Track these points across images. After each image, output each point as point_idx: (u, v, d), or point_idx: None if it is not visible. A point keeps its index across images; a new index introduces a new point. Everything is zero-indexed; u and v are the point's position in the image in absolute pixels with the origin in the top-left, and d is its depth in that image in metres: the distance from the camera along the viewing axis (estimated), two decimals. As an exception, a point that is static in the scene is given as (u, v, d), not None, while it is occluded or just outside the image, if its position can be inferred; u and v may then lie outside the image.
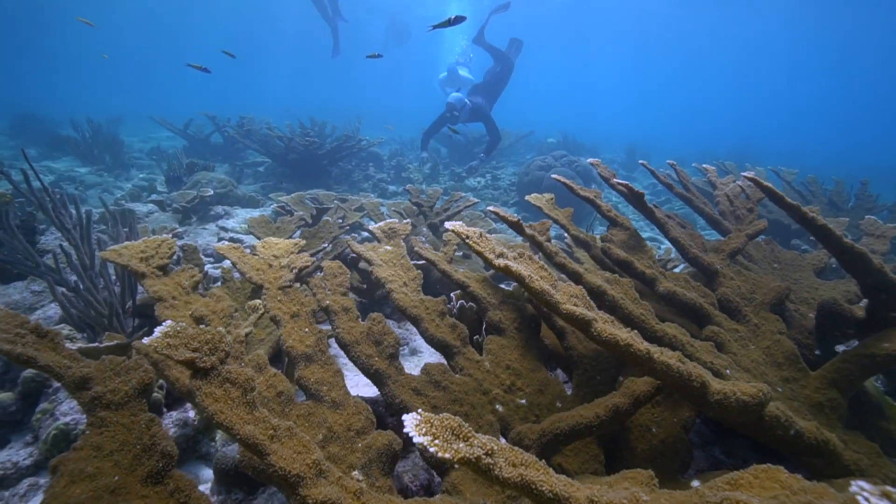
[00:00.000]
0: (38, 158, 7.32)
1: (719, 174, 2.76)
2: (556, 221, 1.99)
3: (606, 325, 0.97)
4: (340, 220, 3.05)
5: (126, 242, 1.38)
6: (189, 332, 0.79)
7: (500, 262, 0.95)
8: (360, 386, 2.13)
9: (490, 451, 0.53)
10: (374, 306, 2.80)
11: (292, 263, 1.48)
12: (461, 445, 0.50)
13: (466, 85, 8.72)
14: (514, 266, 0.94)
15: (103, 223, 3.60)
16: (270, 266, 1.47)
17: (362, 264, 2.70)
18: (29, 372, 1.63)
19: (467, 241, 0.97)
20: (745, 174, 1.45)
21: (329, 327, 1.45)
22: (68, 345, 1.57)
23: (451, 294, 1.99)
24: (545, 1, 22.63)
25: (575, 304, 0.98)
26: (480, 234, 1.01)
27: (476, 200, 3.37)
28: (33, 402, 1.64)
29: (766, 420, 1.08)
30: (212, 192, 4.38)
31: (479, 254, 0.96)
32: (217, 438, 1.64)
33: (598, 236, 2.08)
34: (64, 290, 2.04)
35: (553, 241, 1.96)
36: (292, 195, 4.19)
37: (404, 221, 1.78)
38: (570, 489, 0.58)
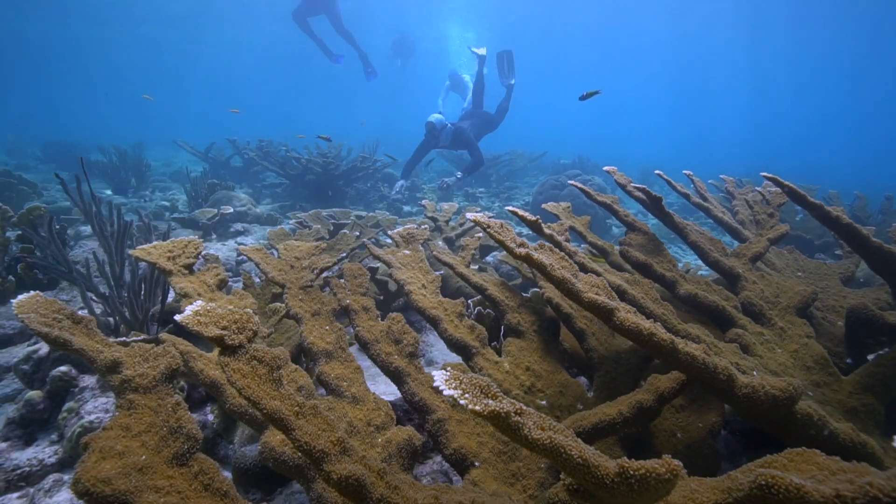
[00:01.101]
0: (70, 181, 7.60)
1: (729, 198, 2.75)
2: (573, 229, 2.00)
3: (629, 315, 0.97)
4: (357, 234, 3.10)
5: (155, 242, 1.42)
6: (219, 311, 0.81)
7: (522, 251, 0.96)
8: (380, 395, 2.12)
9: (519, 411, 0.53)
10: (391, 318, 2.80)
11: (314, 264, 1.50)
12: (490, 401, 0.51)
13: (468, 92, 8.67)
14: (536, 255, 0.95)
15: (129, 237, 3.70)
16: (292, 267, 1.50)
17: (379, 275, 2.72)
18: (56, 371, 1.67)
19: (488, 230, 0.99)
20: (764, 174, 1.45)
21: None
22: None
23: (469, 301, 1.99)
24: (559, 21, 23.08)
25: (597, 293, 0.98)
26: (501, 225, 1.02)
27: (492, 214, 3.39)
28: (60, 402, 1.67)
29: (797, 417, 1.05)
30: (231, 210, 4.49)
31: (501, 243, 0.97)
32: (235, 441, 1.64)
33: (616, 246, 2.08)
34: (92, 295, 2.10)
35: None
36: (310, 212, 4.27)
37: (422, 227, 1.80)
38: (598, 458, 0.57)
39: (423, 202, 3.52)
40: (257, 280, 2.10)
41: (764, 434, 1.45)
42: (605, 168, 2.10)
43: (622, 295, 1.36)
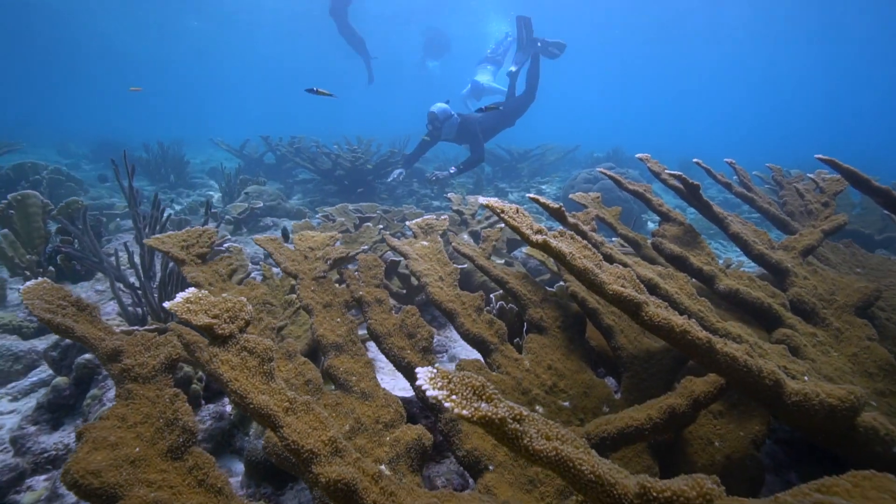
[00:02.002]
0: (114, 178, 7.97)
1: (777, 188, 2.54)
2: (601, 220, 1.88)
3: (660, 310, 0.87)
4: (381, 227, 3.06)
5: (170, 232, 1.41)
6: (210, 300, 0.77)
7: (539, 237, 0.88)
8: (395, 390, 2.07)
9: (518, 417, 0.45)
10: (413, 312, 2.75)
11: (327, 255, 1.46)
12: (483, 405, 0.43)
13: (492, 94, 8.31)
14: (554, 242, 0.86)
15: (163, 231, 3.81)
16: (306, 258, 1.46)
17: (402, 268, 2.68)
18: (82, 358, 1.70)
19: (503, 215, 0.91)
20: (820, 156, 1.30)
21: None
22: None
23: (491, 295, 1.91)
24: (594, 11, 22.41)
25: (622, 286, 0.88)
26: (517, 210, 0.94)
27: (518, 207, 3.28)
28: (85, 388, 1.70)
29: (859, 431, 0.92)
30: (261, 205, 4.56)
31: (516, 229, 0.89)
32: (251, 432, 1.62)
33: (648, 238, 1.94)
34: (121, 285, 2.15)
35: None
36: (337, 206, 4.28)
37: (441, 217, 1.73)
38: (615, 473, 0.49)
39: (449, 195, 3.45)
40: (276, 271, 2.09)
41: (817, 445, 1.31)
42: (638, 155, 1.97)
43: (654, 289, 1.25)
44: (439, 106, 4.74)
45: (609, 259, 1.32)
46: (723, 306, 1.59)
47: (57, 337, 1.83)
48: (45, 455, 1.58)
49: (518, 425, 0.44)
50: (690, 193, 1.63)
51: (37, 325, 2.41)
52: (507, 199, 7.21)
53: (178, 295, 0.75)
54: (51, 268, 2.71)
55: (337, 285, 1.38)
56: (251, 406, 0.67)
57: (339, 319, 1.28)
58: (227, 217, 4.45)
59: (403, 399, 1.47)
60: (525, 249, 3.17)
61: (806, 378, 1.14)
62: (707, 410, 1.25)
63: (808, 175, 1.96)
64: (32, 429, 1.62)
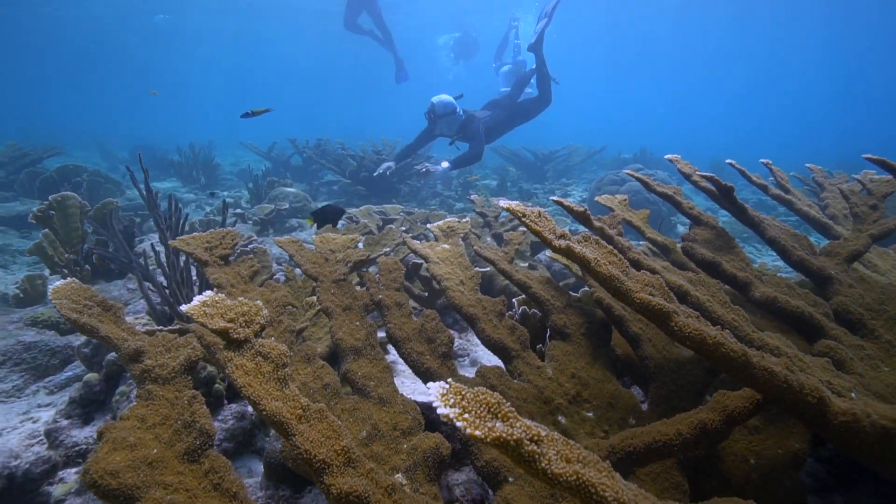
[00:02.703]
0: (140, 178, 8.27)
1: (817, 189, 2.40)
2: (628, 223, 1.81)
3: (690, 320, 0.82)
4: (404, 229, 3.06)
5: (194, 234, 1.43)
6: (227, 303, 0.76)
7: (561, 242, 0.84)
8: (416, 393, 2.05)
9: (536, 437, 0.42)
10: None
11: (348, 258, 1.45)
12: (498, 425, 0.40)
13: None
14: (578, 248, 0.83)
15: (194, 230, 3.92)
16: (326, 260, 1.46)
17: (424, 271, 2.66)
18: (112, 355, 1.75)
19: (524, 219, 0.87)
20: (868, 156, 1.21)
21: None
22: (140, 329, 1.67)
23: (514, 300, 1.87)
24: (621, 9, 21.97)
25: (650, 294, 0.84)
26: (539, 213, 0.90)
27: (542, 209, 3.23)
28: (115, 384, 1.75)
29: (911, 454, 0.84)
30: (287, 206, 4.64)
31: (538, 234, 0.86)
32: (271, 433, 1.63)
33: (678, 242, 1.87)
34: (150, 285, 2.21)
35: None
36: (361, 208, 4.31)
37: (464, 220, 1.70)
38: (641, 501, 0.45)
39: (472, 197, 3.42)
40: (299, 272, 2.10)
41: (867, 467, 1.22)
42: (668, 157, 1.90)
43: (684, 297, 1.19)
44: (441, 98, 4.19)
45: (636, 265, 1.26)
46: (758, 315, 1.51)
47: (89, 334, 1.89)
48: (76, 448, 1.63)
49: (535, 447, 0.41)
50: (724, 196, 1.55)
51: (73, 321, 2.50)
52: (533, 200, 7.13)
53: (195, 298, 0.75)
54: (87, 266, 2.81)
55: (357, 288, 1.37)
56: (264, 412, 0.66)
57: (358, 323, 1.27)
58: (253, 218, 4.54)
59: (423, 404, 1.45)
60: (549, 253, 3.11)
61: (853, 395, 1.07)
62: (742, 425, 1.19)
63: (854, 176, 1.84)
64: (65, 423, 1.68)
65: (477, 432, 0.38)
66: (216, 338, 1.15)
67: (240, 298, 0.78)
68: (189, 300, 2.05)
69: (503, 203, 0.92)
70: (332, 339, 1.23)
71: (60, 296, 0.98)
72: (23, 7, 20.44)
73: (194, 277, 2.27)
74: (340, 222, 4.91)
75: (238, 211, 4.89)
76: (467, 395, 0.43)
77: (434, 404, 0.41)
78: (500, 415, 0.43)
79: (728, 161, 2.08)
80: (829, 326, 1.25)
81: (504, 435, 0.39)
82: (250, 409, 1.72)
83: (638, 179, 1.66)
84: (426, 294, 2.70)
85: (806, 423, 0.87)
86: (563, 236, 0.87)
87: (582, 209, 1.23)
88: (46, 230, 2.67)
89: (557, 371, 1.32)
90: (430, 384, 0.43)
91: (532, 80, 5.05)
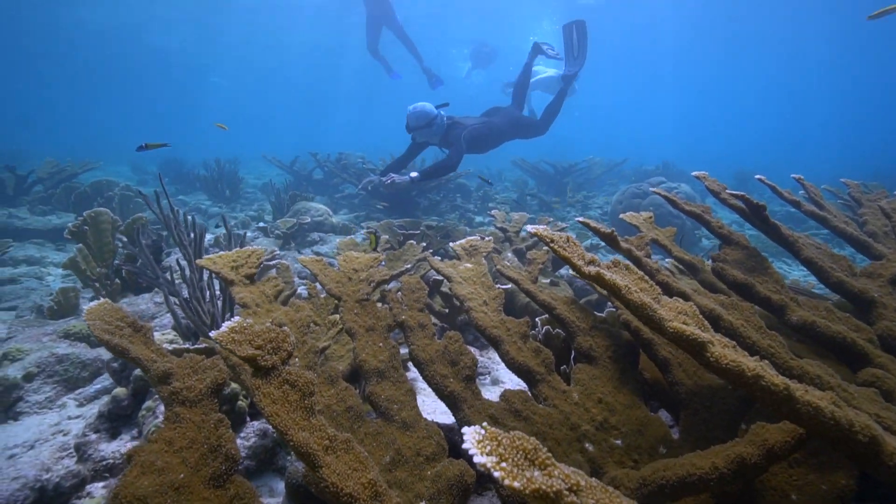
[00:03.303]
0: (176, 194, 8.52)
1: (853, 205, 2.31)
2: (655, 242, 1.78)
3: (727, 350, 0.78)
4: (424, 245, 3.06)
5: (221, 252, 1.45)
6: (254, 329, 0.76)
7: (591, 269, 0.82)
8: (436, 413, 2.03)
9: (576, 487, 0.40)
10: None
11: (371, 277, 1.46)
12: (536, 474, 0.39)
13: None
14: (608, 275, 0.81)
15: (217, 245, 4.00)
16: (350, 279, 1.47)
17: (445, 287, 2.65)
18: (138, 371, 1.78)
19: (552, 245, 0.86)
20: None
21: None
22: (168, 347, 1.70)
23: (537, 319, 1.84)
24: (643, 16, 21.84)
25: (684, 323, 0.81)
26: (567, 239, 0.89)
27: (565, 225, 3.20)
28: (142, 399, 1.78)
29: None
30: (309, 220, 4.70)
31: (566, 259, 0.84)
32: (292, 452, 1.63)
33: (707, 262, 1.82)
34: (176, 300, 2.25)
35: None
36: (381, 222, 4.34)
37: (486, 239, 1.69)
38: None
39: (493, 212, 3.41)
40: (320, 288, 2.12)
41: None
42: (695, 174, 1.86)
43: (716, 321, 1.15)
44: (416, 108, 3.89)
45: (666, 288, 1.23)
46: (794, 338, 1.45)
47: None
48: (104, 463, 1.66)
49: (575, 497, 0.40)
50: (755, 215, 1.51)
51: (103, 334, 2.56)
52: (553, 213, 7.07)
53: (223, 324, 0.76)
54: (117, 280, 2.89)
55: (380, 307, 1.37)
56: (291, 443, 0.65)
57: (381, 344, 1.27)
58: (276, 232, 4.62)
59: (444, 426, 1.43)
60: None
61: (901, 429, 1.00)
62: (780, 458, 1.13)
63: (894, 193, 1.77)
64: (94, 436, 1.71)
65: (515, 483, 0.37)
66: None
67: (267, 324, 0.78)
68: (212, 315, 2.09)
69: (531, 228, 0.91)
70: (355, 361, 1.22)
71: (94, 316, 1.00)
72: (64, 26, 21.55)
73: (217, 292, 2.31)
74: (361, 236, 4.96)
75: (261, 225, 4.99)
76: (503, 440, 0.41)
77: (470, 452, 0.40)
78: (537, 462, 0.41)
79: (757, 177, 2.02)
80: (875, 354, 1.19)
81: (543, 487, 0.37)
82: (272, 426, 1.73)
83: (664, 197, 1.63)
84: (447, 311, 2.69)
85: (854, 462, 0.82)
86: (592, 262, 0.85)
87: (608, 230, 1.21)
88: (80, 245, 2.76)
89: (584, 396, 1.29)
90: (466, 430, 0.42)
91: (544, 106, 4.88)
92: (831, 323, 1.24)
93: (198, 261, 1.38)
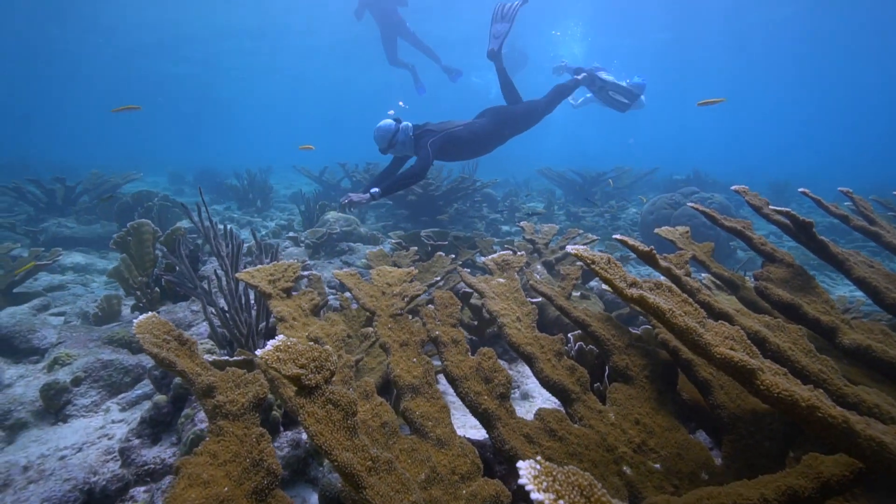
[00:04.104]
0: (209, 203, 8.82)
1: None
2: (693, 258, 1.73)
3: (778, 378, 0.75)
4: (453, 256, 3.07)
5: (259, 266, 1.49)
6: (298, 348, 0.78)
7: (634, 292, 0.81)
8: (466, 427, 2.02)
9: (634, 528, 0.39)
10: (485, 344, 2.70)
11: (404, 292, 1.47)
12: (594, 514, 0.38)
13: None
14: (651, 298, 0.79)
15: (249, 255, 4.11)
16: (383, 293, 1.48)
17: (474, 300, 2.65)
18: (178, 378, 1.83)
19: (593, 266, 0.85)
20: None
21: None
22: (206, 357, 1.75)
23: (570, 335, 1.81)
24: (679, 26, 21.42)
25: (732, 349, 0.79)
26: (608, 260, 0.87)
27: (596, 238, 3.15)
28: (181, 406, 1.84)
29: None
30: (338, 230, 4.78)
31: (608, 282, 0.83)
32: (325, 462, 1.65)
33: (747, 277, 1.76)
34: (213, 310, 2.32)
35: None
36: (408, 233, 4.38)
37: (518, 254, 1.68)
38: None
39: (521, 223, 3.39)
40: (349, 295, 2.14)
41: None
42: (735, 188, 1.81)
43: (761, 344, 1.11)
44: (379, 126, 3.78)
45: (707, 308, 1.19)
46: (845, 361, 1.38)
47: (160, 357, 2.00)
48: (146, 468, 1.71)
49: (634, 539, 0.39)
50: (802, 232, 1.45)
51: (143, 341, 2.66)
52: (581, 223, 6.98)
53: (268, 343, 0.78)
54: (157, 289, 3.00)
55: (412, 323, 1.38)
56: (335, 463, 0.66)
57: (415, 359, 1.27)
58: (306, 241, 4.72)
59: (476, 442, 1.42)
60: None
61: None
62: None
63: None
64: (136, 442, 1.77)
65: (574, 525, 0.36)
66: (291, 389, 1.18)
67: (310, 343, 0.80)
68: (248, 325, 2.14)
69: (570, 249, 0.90)
70: (389, 376, 1.23)
71: (143, 330, 1.04)
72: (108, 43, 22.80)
73: (252, 302, 2.37)
74: (388, 246, 5.01)
75: (291, 234, 5.10)
76: (558, 475, 0.41)
77: (527, 487, 0.39)
78: (593, 499, 0.40)
79: (801, 190, 1.95)
80: (935, 381, 1.12)
81: (603, 529, 0.36)
82: (304, 436, 1.75)
83: (704, 214, 1.59)
84: (475, 323, 2.68)
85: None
86: (634, 284, 0.84)
87: (647, 249, 1.19)
88: (124, 255, 2.89)
89: (620, 416, 1.26)
90: (521, 464, 0.42)
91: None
92: (888, 347, 1.18)
93: (237, 274, 1.42)
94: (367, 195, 3.53)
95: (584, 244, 3.19)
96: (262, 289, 1.39)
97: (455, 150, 3.92)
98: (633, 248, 1.24)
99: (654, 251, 1.22)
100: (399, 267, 2.94)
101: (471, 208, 7.69)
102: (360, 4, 9.95)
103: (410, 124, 3.83)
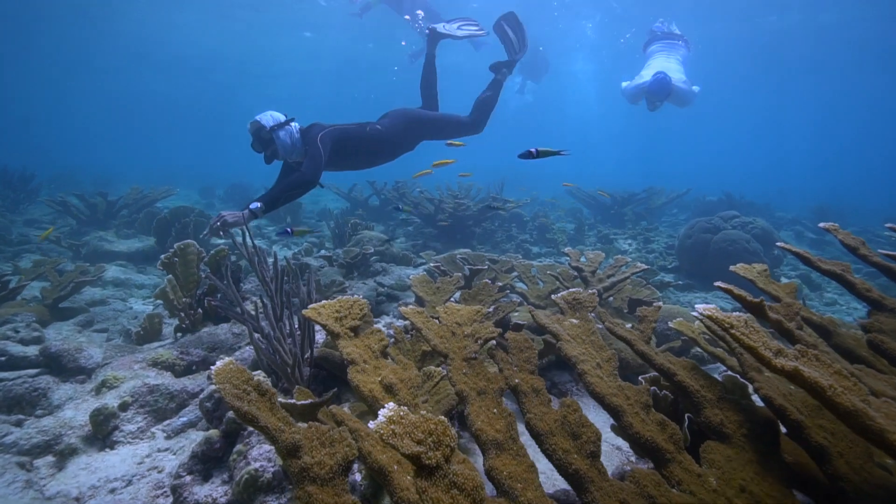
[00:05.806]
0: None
1: None
2: (775, 299, 1.61)
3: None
4: (500, 285, 2.98)
5: (323, 301, 1.44)
6: (411, 419, 0.71)
7: (784, 363, 0.71)
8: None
9: None
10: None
11: (476, 333, 1.39)
12: None
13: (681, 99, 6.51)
14: (808, 372, 0.69)
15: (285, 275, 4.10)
16: (454, 334, 1.41)
17: (516, 319, 2.55)
18: (231, 413, 1.78)
19: (731, 331, 0.76)
20: None
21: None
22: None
23: (640, 378, 1.70)
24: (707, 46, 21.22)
25: (910, 436, 0.68)
26: (746, 323, 0.78)
27: (645, 266, 3.03)
28: (233, 442, 1.78)
29: None
30: (372, 250, 4.75)
31: (751, 350, 0.74)
32: (384, 510, 1.56)
33: (837, 320, 1.62)
34: (259, 336, 2.28)
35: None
36: (444, 255, 4.32)
37: (590, 292, 1.59)
38: None
39: (567, 250, 3.30)
40: (401, 324, 2.07)
41: None
42: (822, 225, 1.68)
43: (897, 412, 0.99)
44: (268, 115, 3.29)
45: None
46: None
47: (212, 389, 1.96)
48: (196, 506, 1.65)
49: None
50: (913, 278, 1.33)
51: (185, 364, 2.64)
52: (614, 245, 6.82)
53: (380, 413, 0.70)
54: (199, 310, 2.99)
55: (489, 369, 1.30)
56: (470, 566, 0.58)
57: (495, 410, 1.19)
58: (339, 261, 4.70)
59: (552, 495, 1.32)
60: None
61: None
62: None
63: None
64: (188, 478, 1.71)
65: None
66: (358, 423, 1.11)
67: (422, 413, 0.72)
68: (294, 356, 2.08)
69: (700, 308, 0.81)
70: (470, 429, 1.15)
71: (223, 379, 0.98)
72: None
73: (296, 327, 2.32)
74: (424, 267, 4.95)
75: (324, 253, 5.09)
76: None
77: None
78: None
79: (888, 225, 1.81)
80: None
81: None
82: (358, 477, 1.67)
83: (796, 255, 1.48)
84: (523, 354, 2.57)
85: None
86: (780, 353, 0.74)
87: (756, 301, 1.08)
88: (170, 276, 2.89)
89: (722, 482, 1.14)
90: None
91: None
92: None
93: (304, 311, 1.36)
94: (246, 211, 2.95)
95: (632, 272, 3.07)
96: (330, 327, 1.33)
97: (347, 152, 3.43)
98: (738, 298, 1.14)
99: (763, 301, 1.12)
100: (442, 294, 2.87)
101: (499, 228, 7.62)
102: None
103: (298, 125, 3.34)
